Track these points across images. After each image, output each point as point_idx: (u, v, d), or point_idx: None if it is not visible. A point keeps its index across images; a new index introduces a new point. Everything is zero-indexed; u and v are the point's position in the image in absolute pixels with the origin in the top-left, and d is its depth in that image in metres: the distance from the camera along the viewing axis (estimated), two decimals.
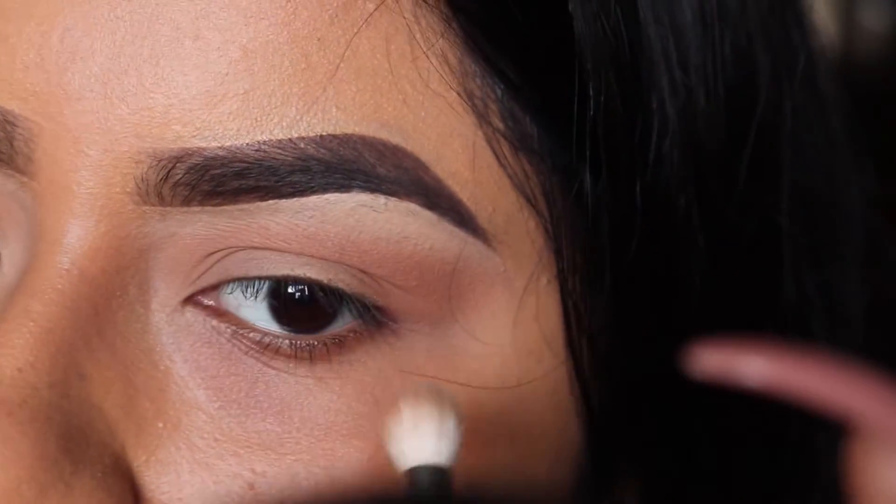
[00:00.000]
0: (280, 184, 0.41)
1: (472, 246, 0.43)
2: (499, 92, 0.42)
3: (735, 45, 0.46)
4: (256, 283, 0.42)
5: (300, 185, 0.41)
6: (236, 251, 0.42)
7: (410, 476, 0.37)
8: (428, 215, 0.42)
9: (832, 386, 0.34)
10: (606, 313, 0.45)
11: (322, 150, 0.41)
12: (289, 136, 0.40)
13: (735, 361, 0.35)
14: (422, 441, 0.38)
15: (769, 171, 0.48)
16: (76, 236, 0.42)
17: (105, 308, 0.42)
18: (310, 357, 0.42)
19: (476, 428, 0.43)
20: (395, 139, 0.41)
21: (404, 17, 0.41)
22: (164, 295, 0.43)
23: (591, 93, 0.43)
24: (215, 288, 0.43)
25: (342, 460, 0.42)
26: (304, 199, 0.41)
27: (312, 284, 0.42)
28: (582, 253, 0.45)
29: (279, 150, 0.41)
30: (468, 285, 0.43)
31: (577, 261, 0.45)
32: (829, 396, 0.34)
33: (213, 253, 0.42)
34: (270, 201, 0.41)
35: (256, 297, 0.42)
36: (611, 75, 0.43)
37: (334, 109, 0.41)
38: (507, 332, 0.44)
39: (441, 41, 0.42)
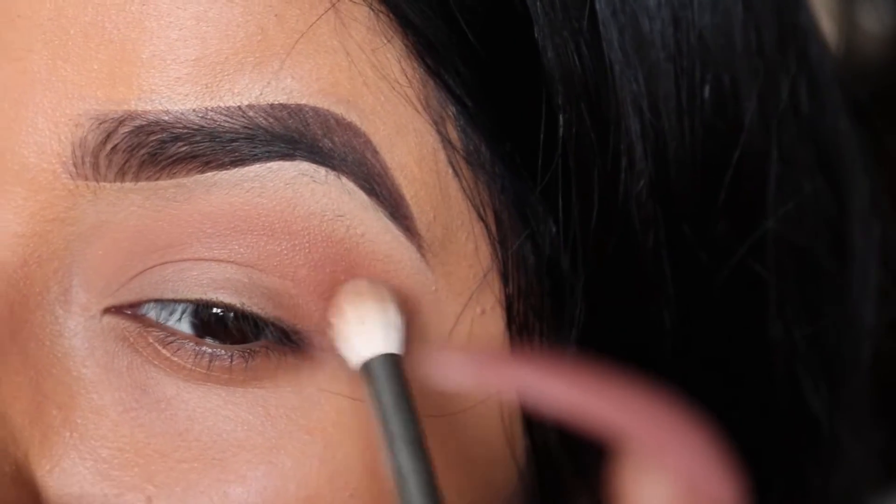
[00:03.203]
0: (221, 151, 0.40)
1: (406, 251, 0.41)
2: (453, 110, 0.41)
3: (716, 87, 0.45)
4: (172, 305, 0.41)
5: (243, 152, 0.40)
6: (154, 267, 0.41)
7: (365, 369, 0.39)
8: (364, 198, 0.41)
9: (596, 403, 0.34)
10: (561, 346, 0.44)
11: (270, 120, 0.40)
12: (238, 104, 0.40)
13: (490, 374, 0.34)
14: (370, 333, 0.39)
15: (749, 217, 0.46)
16: (0, 217, 0.40)
17: (21, 307, 0.41)
18: (225, 371, 0.41)
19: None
20: (350, 116, 0.40)
21: (365, 9, 0.41)
22: (86, 300, 0.41)
23: (560, 127, 0.42)
24: (134, 306, 0.42)
25: (245, 479, 0.41)
26: (244, 169, 0.40)
27: (226, 309, 0.41)
28: (537, 283, 0.43)
29: (226, 118, 0.40)
30: (395, 298, 0.41)
31: (529, 290, 0.43)
32: (592, 414, 0.34)
33: (134, 261, 0.41)
34: (209, 173, 0.40)
35: (175, 317, 0.41)
36: (583, 110, 0.42)
37: (289, 79, 0.40)
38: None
39: (398, 43, 0.41)
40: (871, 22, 0.89)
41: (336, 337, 0.40)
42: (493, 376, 0.35)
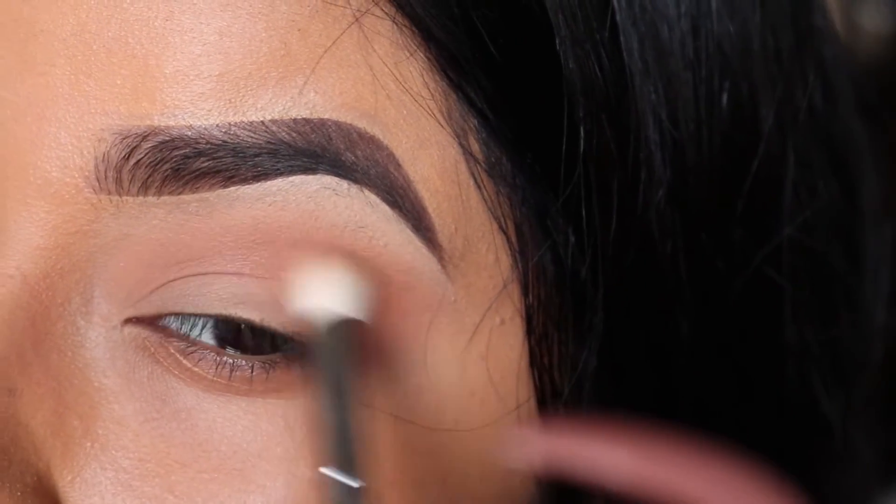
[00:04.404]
0: (244, 166, 0.40)
1: (427, 262, 0.41)
2: (475, 122, 0.41)
3: (734, 95, 0.45)
4: (192, 319, 0.41)
5: (266, 167, 0.40)
6: (175, 280, 0.41)
7: (327, 330, 0.39)
8: (387, 211, 0.41)
9: (670, 474, 0.34)
10: (584, 359, 0.44)
11: (293, 134, 0.40)
12: (261, 119, 0.40)
13: (577, 451, 0.34)
14: (331, 296, 0.39)
15: (766, 223, 0.46)
16: (23, 229, 0.40)
17: (43, 318, 0.41)
18: (245, 382, 0.41)
19: (404, 465, 0.42)
20: (372, 130, 0.40)
21: (388, 22, 0.40)
22: (107, 311, 0.41)
23: (581, 138, 0.42)
24: (155, 319, 0.42)
25: (265, 489, 0.41)
26: (267, 183, 0.40)
27: (246, 324, 0.41)
28: (557, 294, 0.43)
29: (249, 133, 0.40)
30: (414, 309, 0.42)
31: (549, 300, 0.43)
32: (673, 487, 0.33)
33: (156, 273, 0.41)
34: (232, 188, 0.40)
35: (196, 331, 0.41)
36: (604, 121, 0.42)
37: (312, 93, 0.40)
38: (448, 369, 0.43)
39: (421, 56, 0.41)
40: (871, 22, 0.90)
41: (296, 291, 0.39)
42: (563, 453, 0.35)
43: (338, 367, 0.39)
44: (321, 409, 0.38)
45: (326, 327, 0.39)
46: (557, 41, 0.41)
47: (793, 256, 0.47)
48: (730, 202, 0.45)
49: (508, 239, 0.42)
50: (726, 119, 0.45)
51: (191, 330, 0.41)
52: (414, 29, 0.40)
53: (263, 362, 0.41)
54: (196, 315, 0.41)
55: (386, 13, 0.40)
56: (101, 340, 0.41)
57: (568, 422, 0.37)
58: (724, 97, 0.44)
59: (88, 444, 0.41)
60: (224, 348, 0.41)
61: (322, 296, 0.39)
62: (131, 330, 0.41)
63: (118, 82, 0.40)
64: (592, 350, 0.44)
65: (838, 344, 0.50)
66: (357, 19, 0.40)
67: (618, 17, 0.42)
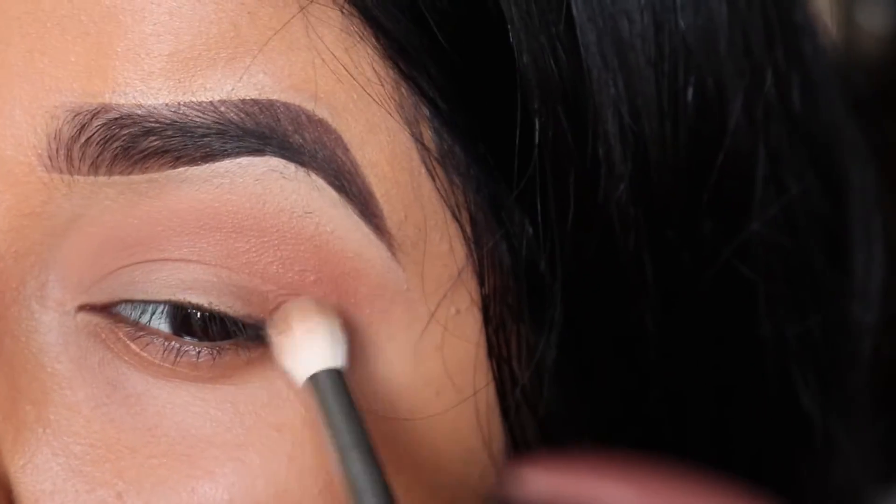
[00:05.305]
0: (192, 146, 0.40)
1: (376, 249, 0.41)
2: (426, 111, 0.41)
3: (700, 90, 0.44)
4: (142, 305, 0.41)
5: (214, 148, 0.40)
6: (125, 267, 0.41)
7: (315, 382, 0.40)
8: (334, 195, 0.41)
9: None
10: (541, 350, 0.44)
11: (241, 115, 0.40)
12: (210, 99, 0.40)
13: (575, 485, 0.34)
14: (319, 349, 0.40)
15: (735, 218, 0.46)
16: None
17: None
18: (192, 368, 0.41)
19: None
20: (321, 113, 0.40)
21: (336, 11, 0.40)
22: (61, 296, 0.41)
23: (536, 131, 0.42)
24: (107, 306, 0.42)
25: (213, 475, 0.41)
26: (215, 165, 0.40)
27: (195, 309, 0.41)
28: (514, 284, 0.43)
29: (198, 113, 0.40)
30: (366, 297, 0.42)
31: (506, 291, 0.43)
32: None
33: (107, 259, 0.41)
34: (181, 168, 0.40)
35: (146, 317, 0.42)
36: (560, 114, 0.42)
37: (261, 75, 0.40)
38: (402, 359, 0.42)
39: (370, 44, 0.41)
40: (870, 22, 0.89)
41: (280, 352, 0.40)
42: (571, 490, 0.35)
43: (352, 420, 0.39)
44: (349, 466, 0.39)
45: (329, 385, 0.40)
46: (511, 34, 0.41)
47: (766, 252, 0.47)
48: (697, 197, 0.45)
49: (462, 228, 0.42)
50: (692, 114, 0.44)
51: (141, 316, 0.41)
52: (361, 17, 0.40)
53: (212, 348, 0.41)
54: (146, 301, 0.41)
55: (333, 1, 0.40)
56: (54, 325, 0.41)
57: (569, 458, 0.37)
58: (690, 91, 0.44)
59: (41, 429, 0.41)
60: (178, 335, 0.41)
61: (318, 355, 0.40)
62: (84, 317, 0.42)
63: (72, 59, 0.40)
64: (551, 342, 0.44)
65: (817, 338, 0.49)
66: (302, 8, 0.40)
67: (574, 11, 0.42)
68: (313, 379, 0.40)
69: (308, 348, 0.40)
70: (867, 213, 0.53)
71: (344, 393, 0.40)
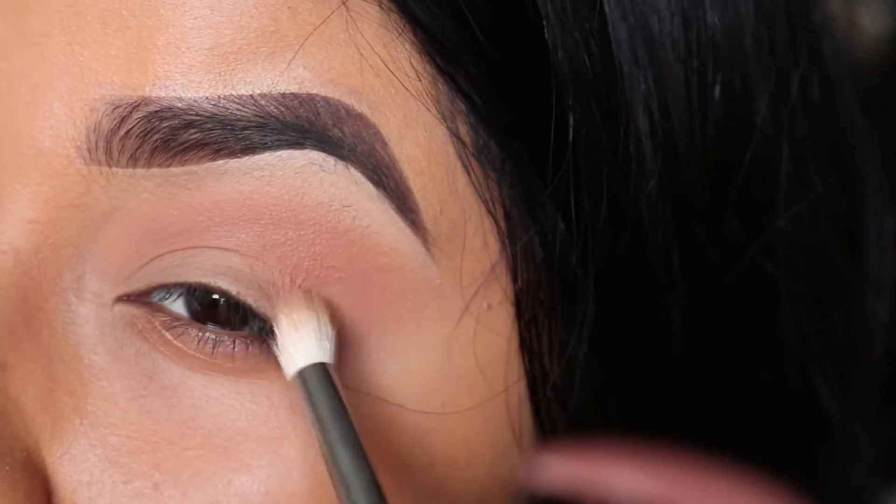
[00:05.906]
0: (232, 139, 0.40)
1: (411, 244, 0.42)
2: (463, 106, 0.42)
3: (727, 87, 0.45)
4: (174, 288, 0.42)
5: (254, 141, 0.40)
6: (163, 255, 0.41)
7: (301, 377, 0.40)
8: (371, 189, 0.41)
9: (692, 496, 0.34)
10: (573, 345, 0.44)
11: (281, 108, 0.40)
12: (250, 93, 0.40)
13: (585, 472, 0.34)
14: (305, 343, 0.40)
15: (760, 215, 0.46)
16: (16, 203, 0.41)
17: (35, 294, 0.41)
18: (228, 359, 0.42)
19: (391, 448, 0.42)
20: (360, 107, 0.41)
21: (375, 6, 0.41)
22: (98, 288, 0.42)
23: (570, 126, 0.42)
24: (143, 294, 0.42)
25: (249, 467, 0.41)
26: (255, 157, 0.40)
27: (222, 294, 0.41)
28: (547, 280, 0.43)
29: (238, 106, 0.40)
30: (398, 292, 0.42)
31: (538, 286, 0.43)
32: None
33: (145, 249, 0.41)
34: (220, 161, 0.40)
35: (172, 298, 0.42)
36: (594, 111, 0.42)
37: (301, 69, 0.40)
38: (434, 353, 0.43)
39: (408, 40, 0.41)
40: (871, 22, 0.90)
41: (275, 347, 0.41)
42: (582, 477, 0.35)
43: (339, 415, 0.40)
44: (337, 458, 0.39)
45: (316, 379, 0.40)
46: (546, 29, 0.41)
47: (790, 249, 0.47)
48: (724, 194, 0.45)
49: (497, 223, 0.42)
50: (719, 111, 0.45)
51: (168, 296, 0.42)
52: (400, 13, 0.41)
53: (240, 339, 0.41)
54: (178, 284, 0.41)
55: None
56: (91, 317, 0.42)
57: (585, 444, 0.38)
58: (717, 89, 0.45)
59: (78, 420, 0.41)
60: (202, 322, 0.42)
61: (303, 350, 0.40)
62: (121, 308, 0.42)
63: (112, 52, 0.40)
64: (583, 337, 0.44)
65: (837, 337, 0.50)
66: (343, 2, 0.40)
67: (606, 8, 0.42)
68: (301, 374, 0.40)
69: (293, 343, 0.40)
70: (878, 210, 0.53)
71: (330, 387, 0.40)
